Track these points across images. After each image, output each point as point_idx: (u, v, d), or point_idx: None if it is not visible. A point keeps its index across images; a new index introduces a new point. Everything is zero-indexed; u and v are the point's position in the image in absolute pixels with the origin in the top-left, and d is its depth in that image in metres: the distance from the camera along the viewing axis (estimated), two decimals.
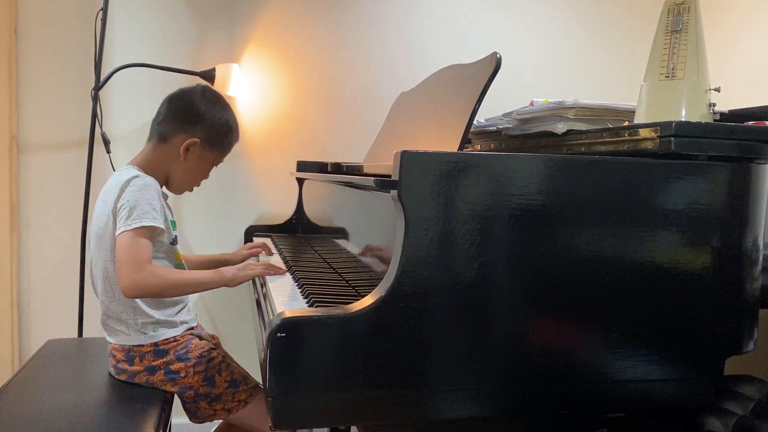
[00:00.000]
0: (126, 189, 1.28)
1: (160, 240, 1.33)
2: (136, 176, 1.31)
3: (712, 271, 1.05)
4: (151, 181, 1.32)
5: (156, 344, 1.34)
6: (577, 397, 1.03)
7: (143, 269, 1.23)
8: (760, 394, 1.30)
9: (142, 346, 1.34)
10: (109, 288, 1.33)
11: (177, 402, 1.38)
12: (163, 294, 1.31)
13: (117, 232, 1.26)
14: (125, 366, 1.35)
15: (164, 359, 1.34)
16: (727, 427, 1.23)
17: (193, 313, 1.48)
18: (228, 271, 1.34)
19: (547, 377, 1.01)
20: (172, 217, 1.43)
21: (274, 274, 1.39)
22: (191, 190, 1.49)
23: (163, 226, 1.30)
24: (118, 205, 1.28)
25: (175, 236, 1.41)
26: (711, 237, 1.05)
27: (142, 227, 1.25)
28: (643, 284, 1.03)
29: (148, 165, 1.39)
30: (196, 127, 1.39)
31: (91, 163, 1.94)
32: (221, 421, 1.51)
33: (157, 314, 1.34)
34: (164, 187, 1.44)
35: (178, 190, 1.47)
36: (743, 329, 1.08)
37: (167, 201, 1.43)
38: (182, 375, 1.34)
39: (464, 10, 2.31)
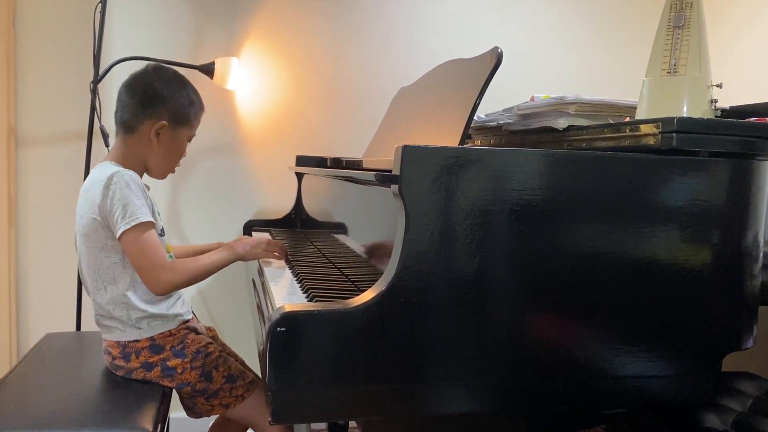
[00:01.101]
0: (111, 186, 1.25)
1: None
2: (117, 172, 1.28)
3: (712, 267, 1.05)
4: (134, 176, 1.30)
5: (152, 338, 1.33)
6: (576, 393, 1.03)
7: (165, 268, 1.28)
8: (758, 390, 1.30)
9: (138, 341, 1.33)
10: (101, 285, 1.32)
11: (175, 396, 1.38)
12: (188, 284, 1.34)
13: (118, 233, 1.24)
14: (122, 363, 1.34)
15: (161, 355, 1.33)
16: (725, 423, 1.24)
17: (188, 305, 1.47)
18: (242, 247, 1.41)
19: (547, 373, 1.01)
20: (156, 208, 1.40)
21: (282, 259, 1.50)
22: (173, 172, 1.47)
23: (153, 220, 1.29)
24: (108, 205, 1.25)
25: (161, 228, 1.39)
26: (711, 233, 1.04)
27: (142, 223, 1.25)
28: (642, 280, 1.03)
29: (123, 158, 1.37)
30: (160, 110, 1.36)
31: (90, 156, 1.93)
32: (218, 415, 1.50)
33: (151, 309, 1.33)
34: (145, 175, 1.42)
35: (160, 175, 1.45)
36: (743, 326, 1.08)
37: (149, 192, 1.41)
38: (179, 371, 1.34)
39: (465, 6, 2.30)
